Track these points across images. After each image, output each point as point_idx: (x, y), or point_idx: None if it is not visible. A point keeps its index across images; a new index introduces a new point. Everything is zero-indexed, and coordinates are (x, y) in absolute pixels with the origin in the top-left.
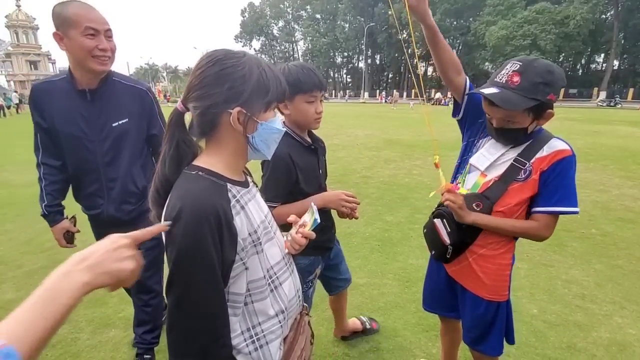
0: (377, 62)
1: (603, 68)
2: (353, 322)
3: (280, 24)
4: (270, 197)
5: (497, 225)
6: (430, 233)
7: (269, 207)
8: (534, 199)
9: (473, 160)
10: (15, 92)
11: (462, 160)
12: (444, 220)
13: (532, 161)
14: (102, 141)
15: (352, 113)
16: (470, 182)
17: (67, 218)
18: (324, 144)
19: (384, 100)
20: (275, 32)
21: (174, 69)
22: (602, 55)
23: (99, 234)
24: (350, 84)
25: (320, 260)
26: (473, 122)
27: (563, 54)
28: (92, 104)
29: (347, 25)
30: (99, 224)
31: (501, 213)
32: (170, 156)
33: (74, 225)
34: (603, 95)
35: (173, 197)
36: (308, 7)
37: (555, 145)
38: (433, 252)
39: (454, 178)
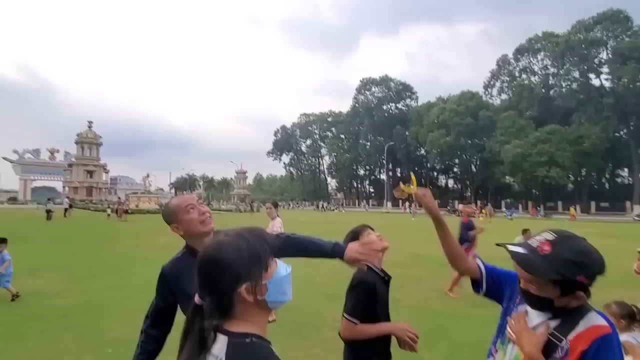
0: (398, 174)
1: (630, 181)
2: None
3: (308, 142)
4: (350, 311)
5: None
6: None
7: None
8: None
9: (509, 329)
10: (68, 197)
11: (503, 322)
12: None
13: (569, 337)
14: None
15: (376, 223)
16: (511, 356)
17: None
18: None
19: (407, 210)
20: (303, 148)
21: (210, 179)
22: (626, 169)
23: None
24: (373, 194)
25: None
26: (502, 289)
27: (585, 169)
28: None
29: (369, 144)
30: None
31: None
32: (195, 343)
33: None
34: (638, 209)
35: None
36: (333, 128)
37: (592, 321)
38: None
39: (495, 341)
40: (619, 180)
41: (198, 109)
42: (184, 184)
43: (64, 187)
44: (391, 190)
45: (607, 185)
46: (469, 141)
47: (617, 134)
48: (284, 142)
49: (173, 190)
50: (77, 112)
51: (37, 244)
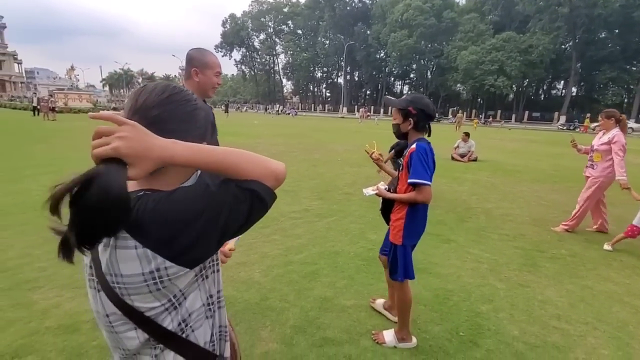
0: (356, 78)
1: (563, 94)
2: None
3: (262, 36)
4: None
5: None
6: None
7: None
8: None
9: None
10: None
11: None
12: (381, 199)
13: (403, 159)
14: None
15: (331, 127)
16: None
17: None
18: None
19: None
20: (256, 44)
21: (150, 75)
22: (562, 82)
23: None
24: (329, 99)
25: None
26: None
27: (527, 80)
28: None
29: (328, 42)
30: None
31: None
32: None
33: None
34: (563, 119)
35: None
36: (290, 22)
37: (412, 146)
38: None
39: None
40: (553, 92)
41: None
42: (119, 81)
43: None
44: (348, 94)
45: (542, 97)
46: (429, 45)
47: (563, 46)
48: (234, 34)
49: (107, 88)
50: None
51: None
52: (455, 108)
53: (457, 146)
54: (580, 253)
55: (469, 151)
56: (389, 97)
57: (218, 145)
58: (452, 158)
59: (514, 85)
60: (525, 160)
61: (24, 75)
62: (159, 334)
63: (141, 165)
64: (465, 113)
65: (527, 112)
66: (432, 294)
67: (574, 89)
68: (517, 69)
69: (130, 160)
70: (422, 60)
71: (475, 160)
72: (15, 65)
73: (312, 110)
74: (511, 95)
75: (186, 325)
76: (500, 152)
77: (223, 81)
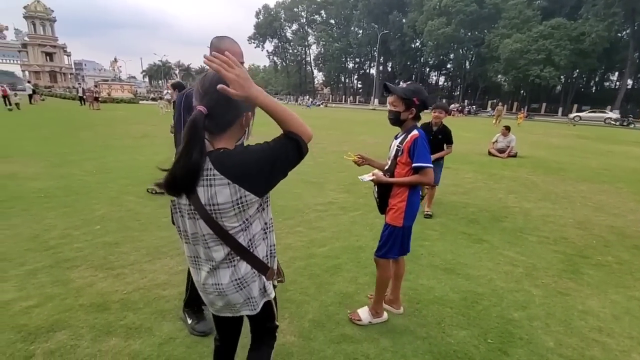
0: (389, 69)
1: (617, 86)
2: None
3: (294, 27)
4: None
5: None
6: (374, 198)
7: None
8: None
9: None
10: (29, 82)
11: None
12: (375, 186)
13: (403, 145)
14: None
15: (362, 119)
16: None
17: None
18: None
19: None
20: (288, 35)
21: (187, 67)
22: (617, 73)
23: None
24: (360, 90)
25: None
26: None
27: (577, 70)
28: None
29: (361, 32)
30: None
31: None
32: (199, 149)
33: None
34: (614, 113)
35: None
36: (322, 11)
37: (412, 132)
38: (379, 210)
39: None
40: (606, 84)
41: None
42: (158, 72)
43: (23, 71)
44: (380, 86)
45: (593, 89)
46: (469, 33)
47: (619, 34)
48: (267, 25)
49: (147, 79)
50: None
51: (3, 130)
52: (494, 100)
53: (496, 140)
54: (629, 260)
55: (509, 146)
56: (391, 84)
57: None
58: (489, 153)
59: (562, 76)
60: (570, 157)
61: (72, 67)
62: (236, 248)
63: (240, 91)
64: (506, 106)
65: (575, 106)
66: (460, 296)
67: (629, 81)
68: (566, 58)
69: (235, 85)
70: (460, 50)
71: (514, 156)
72: (65, 57)
73: (343, 101)
74: (558, 87)
75: (252, 243)
76: (542, 148)
77: (255, 73)
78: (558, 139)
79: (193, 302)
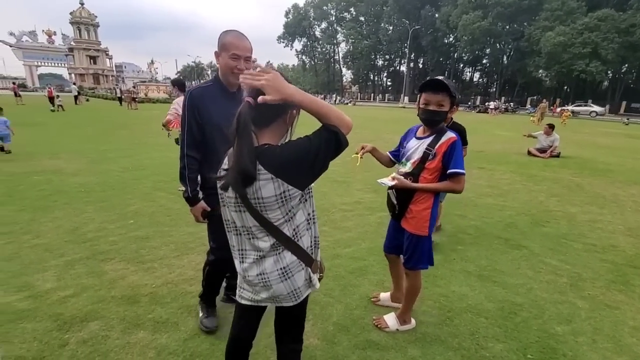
0: (420, 65)
1: None
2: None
3: (323, 25)
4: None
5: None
6: (388, 201)
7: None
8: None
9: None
10: (74, 84)
11: (399, 149)
12: (393, 190)
13: (436, 147)
14: None
15: (391, 117)
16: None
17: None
18: None
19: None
20: (317, 33)
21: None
22: None
23: None
24: (390, 88)
25: None
26: (402, 143)
27: (626, 65)
28: (238, 103)
29: (391, 28)
30: None
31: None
32: (249, 148)
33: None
34: None
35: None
36: (352, 9)
37: (447, 135)
38: (391, 214)
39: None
40: None
41: None
42: (192, 73)
43: (69, 74)
44: (411, 83)
45: None
46: (507, 26)
47: None
48: (296, 24)
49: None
50: None
51: (51, 129)
52: (537, 97)
53: (532, 135)
54: None
55: (551, 146)
56: (448, 80)
57: None
58: (529, 153)
59: (609, 72)
60: (620, 158)
61: (114, 69)
62: (281, 238)
63: (275, 95)
64: (548, 102)
65: (624, 103)
66: (496, 306)
67: None
68: (614, 52)
69: (268, 91)
70: (497, 44)
71: (557, 156)
72: (107, 60)
73: (372, 100)
74: (605, 83)
75: (296, 233)
76: (588, 148)
77: (284, 71)
78: (605, 138)
79: (207, 297)
